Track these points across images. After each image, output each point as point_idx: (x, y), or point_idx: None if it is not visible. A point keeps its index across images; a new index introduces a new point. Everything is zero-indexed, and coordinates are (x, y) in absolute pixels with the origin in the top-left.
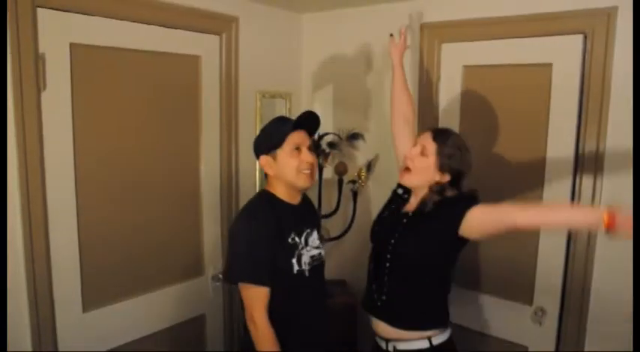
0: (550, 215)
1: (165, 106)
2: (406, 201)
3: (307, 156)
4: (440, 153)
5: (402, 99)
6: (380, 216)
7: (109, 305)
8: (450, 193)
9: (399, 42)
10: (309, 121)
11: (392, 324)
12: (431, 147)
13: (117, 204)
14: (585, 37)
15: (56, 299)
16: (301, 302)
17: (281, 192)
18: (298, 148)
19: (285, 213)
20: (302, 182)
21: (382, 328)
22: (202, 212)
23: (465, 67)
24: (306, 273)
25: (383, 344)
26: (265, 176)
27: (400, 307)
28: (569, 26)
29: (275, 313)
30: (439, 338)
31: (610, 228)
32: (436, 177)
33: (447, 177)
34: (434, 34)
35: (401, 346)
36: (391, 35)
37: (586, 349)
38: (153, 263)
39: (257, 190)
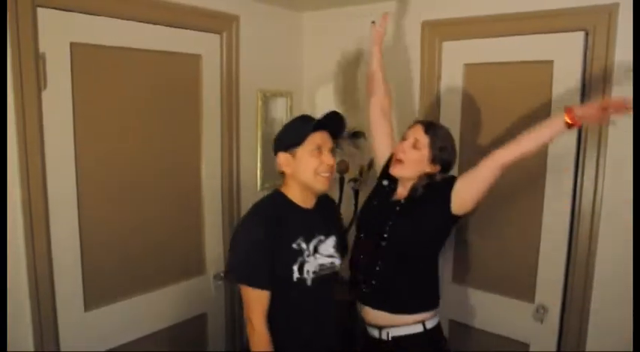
0: (525, 141)
1: (165, 105)
2: (393, 191)
3: (328, 158)
4: (432, 146)
5: (379, 88)
6: (367, 206)
7: (110, 304)
8: (438, 178)
9: (380, 24)
10: (334, 122)
11: (388, 310)
12: (423, 140)
13: (118, 202)
14: (586, 34)
15: (58, 298)
16: (302, 312)
17: (294, 193)
18: (319, 149)
19: (293, 217)
20: (319, 184)
21: (375, 315)
22: (204, 210)
23: (466, 65)
24: (308, 282)
25: (376, 333)
26: (282, 175)
27: (397, 292)
28: (570, 23)
29: (274, 320)
30: (431, 322)
31: (573, 123)
32: (427, 168)
33: (437, 168)
34: (435, 32)
35: (396, 332)
36: (373, 22)
37: (587, 347)
38: (154, 262)
39: (258, 189)
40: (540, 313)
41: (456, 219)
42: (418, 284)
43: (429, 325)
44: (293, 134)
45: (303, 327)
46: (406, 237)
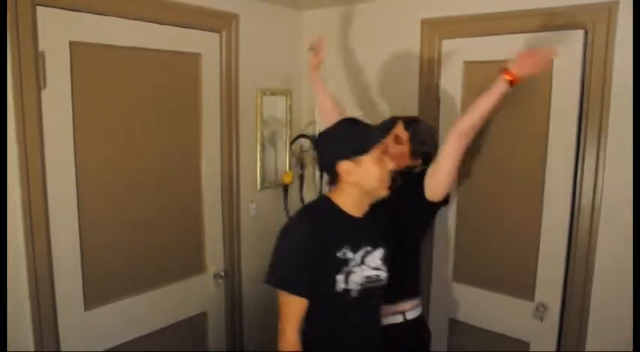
0: (476, 108)
1: (165, 104)
2: None
3: (390, 164)
4: (413, 141)
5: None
6: None
7: (110, 303)
8: (418, 170)
9: (317, 49)
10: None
11: None
12: (404, 135)
13: (118, 201)
14: (586, 33)
15: (58, 298)
16: (345, 324)
17: (346, 201)
18: (381, 155)
19: (340, 225)
20: (383, 190)
21: None
22: (203, 209)
23: (466, 63)
24: (354, 294)
25: None
26: (331, 182)
27: None
28: (569, 21)
29: (314, 330)
30: (412, 313)
31: (513, 79)
32: (408, 161)
33: (418, 161)
34: (434, 31)
35: (383, 321)
36: (310, 49)
37: (587, 345)
38: (155, 261)
39: (258, 188)
40: (540, 311)
41: (432, 206)
42: (396, 274)
43: (410, 316)
44: (357, 142)
45: (345, 339)
46: None
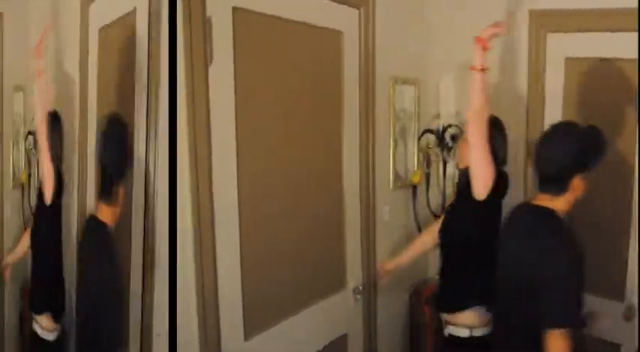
0: (474, 95)
1: (315, 92)
2: None
3: None
4: None
5: None
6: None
7: (267, 329)
8: None
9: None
10: None
11: None
12: None
13: (278, 205)
14: None
15: (222, 328)
16: None
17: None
18: None
19: None
20: None
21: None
22: (345, 214)
23: (567, 58)
24: None
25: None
26: (555, 191)
27: None
28: None
29: None
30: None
31: (484, 46)
32: None
33: None
34: (539, 23)
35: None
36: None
37: None
38: (303, 280)
39: (391, 188)
40: (631, 312)
41: (484, 204)
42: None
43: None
44: (593, 156)
45: None
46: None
